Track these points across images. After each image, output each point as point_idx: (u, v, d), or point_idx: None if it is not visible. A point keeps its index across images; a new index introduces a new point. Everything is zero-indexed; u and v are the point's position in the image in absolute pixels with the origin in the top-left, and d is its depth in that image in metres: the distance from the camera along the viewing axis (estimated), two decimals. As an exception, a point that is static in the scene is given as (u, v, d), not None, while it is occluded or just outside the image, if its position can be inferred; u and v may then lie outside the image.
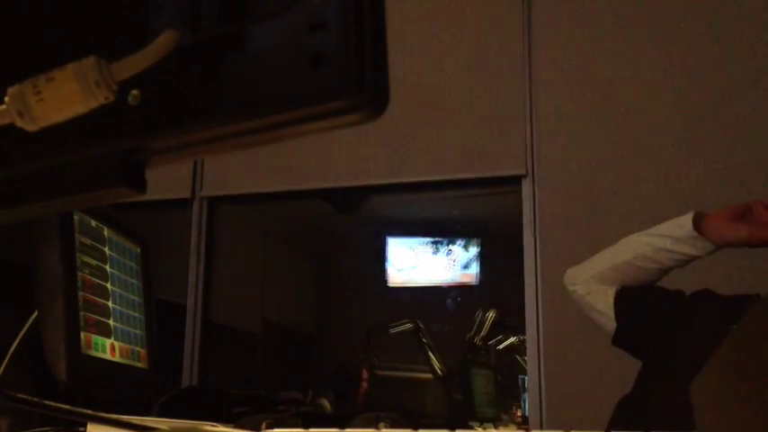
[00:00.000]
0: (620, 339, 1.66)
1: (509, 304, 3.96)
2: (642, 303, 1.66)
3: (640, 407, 1.49)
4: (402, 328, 4.31)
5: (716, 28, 2.82)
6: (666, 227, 1.64)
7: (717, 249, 1.58)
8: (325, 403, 3.37)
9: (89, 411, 0.82)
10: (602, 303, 1.68)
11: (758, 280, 1.91)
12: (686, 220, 1.59)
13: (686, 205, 2.69)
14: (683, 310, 1.55)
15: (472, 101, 3.07)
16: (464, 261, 4.93)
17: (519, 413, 4.07)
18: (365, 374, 4.06)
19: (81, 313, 1.10)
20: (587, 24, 2.98)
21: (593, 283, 1.70)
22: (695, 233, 1.57)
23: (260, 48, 0.41)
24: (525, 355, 3.05)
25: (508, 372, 4.35)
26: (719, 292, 1.58)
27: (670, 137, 2.80)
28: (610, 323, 1.66)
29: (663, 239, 1.61)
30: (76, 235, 1.14)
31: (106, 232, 1.26)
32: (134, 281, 1.35)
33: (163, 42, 0.40)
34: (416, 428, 0.82)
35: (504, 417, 4.12)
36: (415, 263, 4.93)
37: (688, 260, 1.61)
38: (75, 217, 1.14)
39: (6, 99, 0.40)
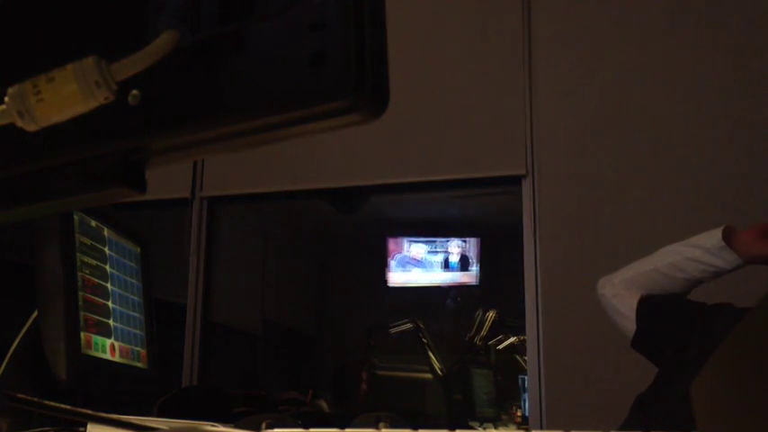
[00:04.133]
0: (638, 343, 1.69)
1: (509, 304, 3.96)
2: (663, 310, 1.69)
3: (653, 406, 1.50)
4: (402, 328, 4.31)
5: (715, 29, 2.82)
6: (697, 238, 1.68)
7: (744, 264, 1.60)
8: (323, 405, 3.36)
9: (89, 411, 0.82)
10: (626, 307, 1.71)
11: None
12: (716, 232, 1.63)
13: (686, 205, 2.71)
14: (703, 320, 1.57)
15: (472, 101, 3.07)
16: (464, 261, 4.93)
17: (519, 413, 4.07)
18: (365, 375, 4.06)
19: (81, 313, 1.10)
20: (587, 25, 2.98)
21: (621, 288, 1.73)
22: (723, 244, 1.59)
23: (260, 48, 0.41)
24: (525, 355, 3.04)
25: (508, 372, 4.35)
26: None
27: (670, 137, 2.80)
28: (630, 326, 1.70)
29: (692, 249, 1.65)
30: (76, 235, 1.14)
31: (106, 232, 1.26)
32: (134, 281, 1.35)
33: (163, 42, 0.40)
34: (416, 428, 0.81)
35: (504, 417, 4.12)
36: (415, 263, 4.93)
37: (715, 272, 1.63)
38: (75, 217, 1.14)
39: (6, 99, 0.40)
